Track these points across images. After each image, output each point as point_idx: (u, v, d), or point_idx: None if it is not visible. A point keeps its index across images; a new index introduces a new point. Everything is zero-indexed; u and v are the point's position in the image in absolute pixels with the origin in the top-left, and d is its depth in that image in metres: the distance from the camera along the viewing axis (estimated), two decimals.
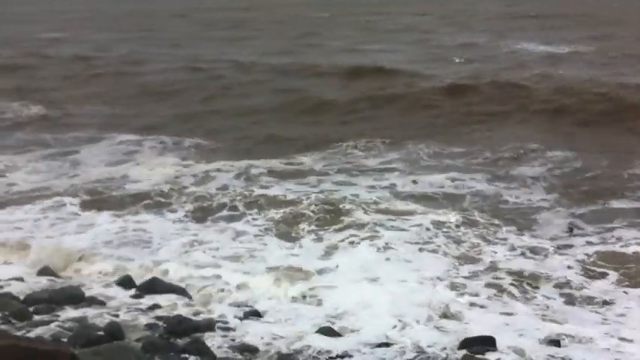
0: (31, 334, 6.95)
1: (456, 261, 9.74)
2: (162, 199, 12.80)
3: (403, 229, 10.87)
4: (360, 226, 11.05)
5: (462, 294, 8.71)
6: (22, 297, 8.19)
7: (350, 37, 36.03)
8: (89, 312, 7.88)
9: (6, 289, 8.51)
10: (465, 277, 9.21)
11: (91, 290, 8.67)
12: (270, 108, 20.57)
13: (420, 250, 10.14)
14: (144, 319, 7.76)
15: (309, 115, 19.79)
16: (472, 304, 8.40)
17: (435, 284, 8.92)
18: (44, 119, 20.12)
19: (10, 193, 13.37)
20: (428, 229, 10.86)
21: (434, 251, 10.09)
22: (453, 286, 8.91)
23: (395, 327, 7.72)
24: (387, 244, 10.29)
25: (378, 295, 8.56)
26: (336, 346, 7.17)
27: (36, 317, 7.58)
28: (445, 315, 8.03)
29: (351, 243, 10.46)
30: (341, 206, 11.86)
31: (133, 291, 8.69)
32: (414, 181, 13.42)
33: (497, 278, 9.18)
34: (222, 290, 8.84)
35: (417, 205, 12.01)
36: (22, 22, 40.02)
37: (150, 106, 21.67)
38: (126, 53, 32.13)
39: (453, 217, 11.33)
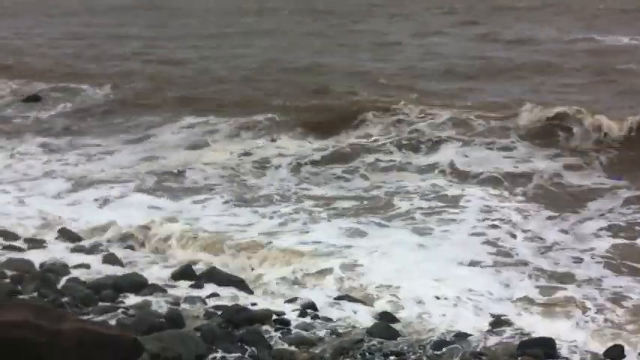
0: (96, 319, 7.17)
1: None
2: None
3: None
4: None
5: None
6: (88, 282, 8.46)
7: None
8: (151, 299, 8.08)
9: (74, 274, 8.81)
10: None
11: (153, 278, 8.89)
12: None
13: None
14: (202, 308, 7.92)
15: None
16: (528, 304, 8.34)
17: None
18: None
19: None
20: None
21: None
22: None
23: (450, 325, 7.72)
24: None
25: (438, 290, 8.60)
26: (392, 341, 7.20)
27: (101, 303, 7.84)
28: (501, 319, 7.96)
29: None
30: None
31: (193, 280, 8.87)
32: None
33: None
34: (281, 282, 8.96)
35: None
36: None
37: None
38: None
39: None
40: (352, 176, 13.80)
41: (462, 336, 7.39)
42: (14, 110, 19.89)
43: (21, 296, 7.81)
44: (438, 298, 8.49)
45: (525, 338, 7.30)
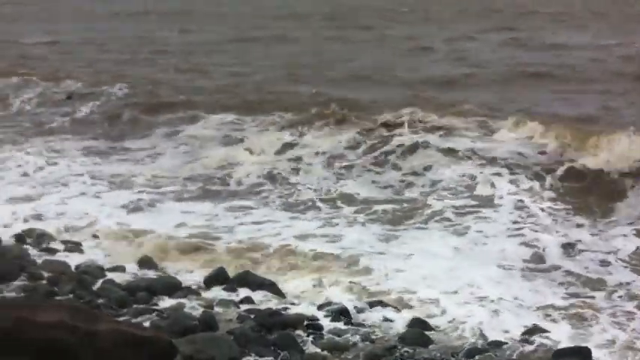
0: (131, 321, 7.24)
1: None
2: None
3: None
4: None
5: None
6: (123, 284, 8.56)
7: None
8: (185, 302, 8.14)
9: (109, 276, 8.91)
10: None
11: (187, 281, 8.95)
12: None
13: None
14: (235, 312, 7.96)
15: None
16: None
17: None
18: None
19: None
20: None
21: None
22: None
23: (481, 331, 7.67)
24: None
25: (472, 296, 8.56)
26: (425, 349, 7.15)
27: (135, 305, 7.92)
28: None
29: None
30: None
31: (226, 283, 8.91)
32: None
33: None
34: (314, 287, 8.96)
35: None
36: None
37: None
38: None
39: None
40: (383, 170, 13.89)
41: (495, 344, 7.32)
42: (49, 111, 20.11)
43: (57, 297, 7.93)
44: (471, 304, 8.43)
45: (560, 347, 7.21)
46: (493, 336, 7.55)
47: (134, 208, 12.33)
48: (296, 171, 14.21)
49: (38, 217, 11.60)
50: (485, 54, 26.20)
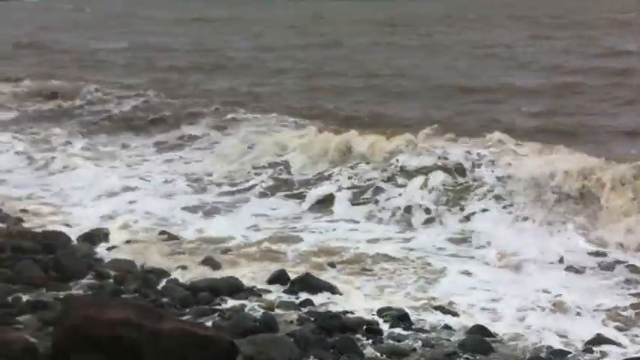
0: (194, 321, 7.37)
1: None
2: None
3: None
4: None
5: None
6: (187, 284, 8.71)
7: None
8: (246, 303, 8.25)
9: (173, 276, 9.07)
10: None
11: (248, 282, 9.05)
12: None
13: None
14: (296, 314, 8.01)
15: None
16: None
17: None
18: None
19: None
20: None
21: None
22: None
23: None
24: None
25: (534, 303, 8.46)
26: (486, 356, 7.08)
27: (198, 305, 8.06)
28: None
29: None
30: None
31: (286, 285, 8.99)
32: None
33: None
34: (372, 291, 8.97)
35: None
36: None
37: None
38: None
39: None
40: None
41: (558, 354, 7.19)
42: (121, 110, 20.24)
43: (123, 296, 8.13)
44: (533, 310, 8.32)
45: (628, 357, 7.04)
46: (556, 344, 7.42)
47: (207, 209, 12.51)
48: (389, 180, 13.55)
49: (107, 216, 11.91)
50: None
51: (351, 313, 8.09)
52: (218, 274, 9.20)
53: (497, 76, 23.07)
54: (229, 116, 18.13)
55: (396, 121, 17.28)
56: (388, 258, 10.05)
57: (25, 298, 7.83)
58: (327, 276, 9.33)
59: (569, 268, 9.63)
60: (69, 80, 23.26)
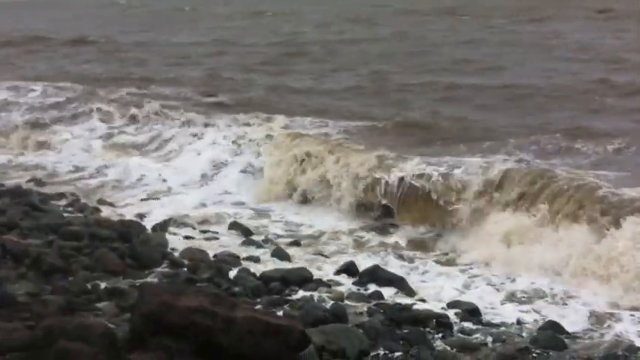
0: (266, 309, 7.47)
1: None
2: None
3: None
4: None
5: None
6: (258, 274, 8.84)
7: None
8: (316, 294, 8.32)
9: (244, 265, 9.24)
10: None
11: (318, 273, 9.13)
12: None
13: None
14: (365, 305, 8.04)
15: None
16: None
17: None
18: None
19: None
20: None
21: None
22: None
23: None
24: None
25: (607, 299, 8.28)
26: (559, 352, 6.96)
27: (269, 294, 8.19)
28: None
29: None
30: None
31: (356, 277, 9.02)
32: None
33: None
34: (443, 285, 8.94)
35: None
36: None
37: None
38: None
39: None
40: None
41: (635, 350, 7.01)
42: (192, 104, 20.09)
43: (197, 284, 8.30)
44: (610, 306, 8.14)
45: None
46: (632, 341, 7.23)
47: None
48: None
49: (180, 206, 12.20)
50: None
51: (420, 306, 8.08)
52: (288, 265, 9.31)
53: None
54: None
55: None
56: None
57: (103, 285, 8.09)
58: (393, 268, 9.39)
59: None
60: None
